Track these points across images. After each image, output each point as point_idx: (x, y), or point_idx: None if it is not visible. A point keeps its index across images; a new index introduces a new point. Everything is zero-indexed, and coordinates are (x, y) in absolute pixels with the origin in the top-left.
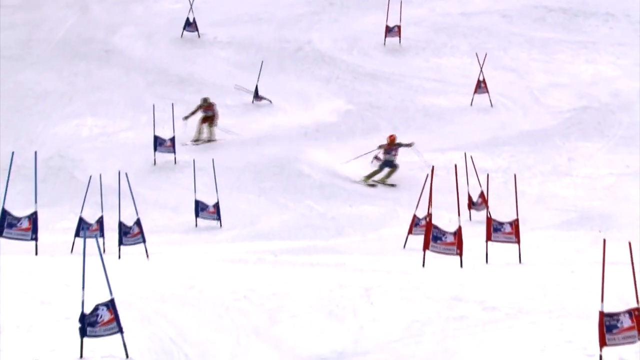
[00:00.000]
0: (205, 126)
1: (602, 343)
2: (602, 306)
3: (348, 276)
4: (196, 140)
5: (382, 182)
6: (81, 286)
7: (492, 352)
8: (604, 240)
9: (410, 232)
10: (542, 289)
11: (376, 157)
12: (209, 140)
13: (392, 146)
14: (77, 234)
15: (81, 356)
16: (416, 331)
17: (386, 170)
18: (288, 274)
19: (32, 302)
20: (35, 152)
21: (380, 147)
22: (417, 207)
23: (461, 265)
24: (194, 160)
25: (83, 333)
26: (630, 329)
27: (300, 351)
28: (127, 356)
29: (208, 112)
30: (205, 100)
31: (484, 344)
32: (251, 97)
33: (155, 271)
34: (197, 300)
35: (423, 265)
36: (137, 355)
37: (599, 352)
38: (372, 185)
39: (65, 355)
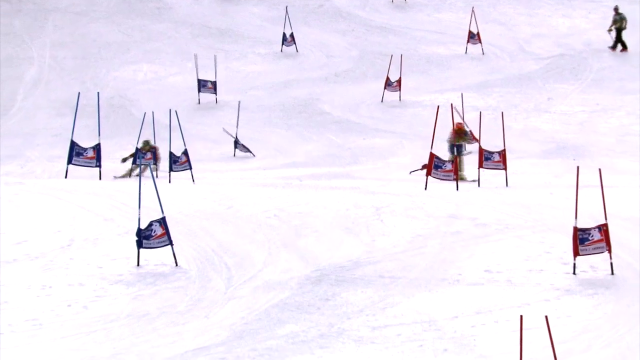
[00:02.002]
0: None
1: (576, 253)
2: (576, 222)
3: (361, 197)
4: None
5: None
6: (138, 205)
7: (483, 262)
8: (578, 167)
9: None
10: (525, 208)
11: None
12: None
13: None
14: (134, 162)
15: (138, 264)
16: (419, 244)
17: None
18: (311, 195)
19: (97, 219)
20: (98, 93)
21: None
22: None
23: (457, 189)
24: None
25: (139, 245)
26: (599, 241)
27: (322, 260)
28: (177, 264)
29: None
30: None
31: (476, 254)
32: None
33: (200, 193)
34: (234, 218)
35: (425, 188)
36: (184, 264)
37: (573, 261)
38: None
39: (124, 264)
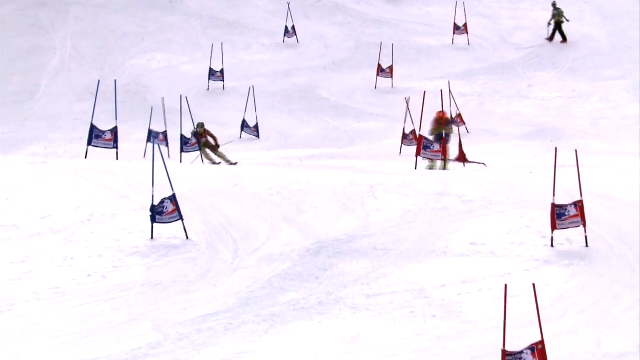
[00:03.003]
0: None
1: (553, 227)
2: (553, 199)
3: (357, 176)
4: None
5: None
6: (151, 184)
7: (468, 235)
8: (555, 149)
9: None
10: (507, 186)
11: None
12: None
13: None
14: (149, 140)
15: (152, 238)
16: (410, 219)
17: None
18: (311, 174)
19: (114, 196)
20: (115, 80)
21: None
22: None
23: (445, 168)
24: (251, 87)
25: (153, 220)
26: (575, 216)
27: (320, 234)
28: (187, 237)
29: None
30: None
31: (462, 228)
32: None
33: (208, 172)
34: (240, 195)
35: (415, 168)
36: (194, 237)
37: (550, 234)
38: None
39: (139, 237)
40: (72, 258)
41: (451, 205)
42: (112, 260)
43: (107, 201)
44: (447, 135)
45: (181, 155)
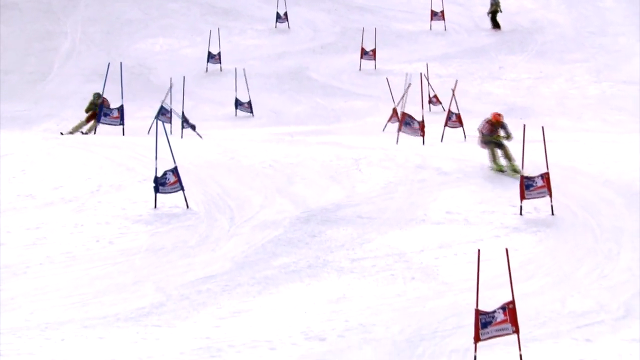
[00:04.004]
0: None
1: (522, 197)
2: (522, 171)
3: (343, 151)
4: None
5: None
6: (154, 157)
7: (444, 205)
8: (524, 125)
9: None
10: (480, 159)
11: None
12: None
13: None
14: (157, 116)
15: (155, 207)
16: (391, 189)
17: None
18: (301, 149)
19: (120, 169)
20: (121, 63)
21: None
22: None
23: (423, 143)
24: (235, 69)
25: (156, 190)
26: (542, 187)
27: (310, 203)
28: (187, 206)
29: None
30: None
31: (439, 198)
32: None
33: (207, 147)
34: (236, 167)
35: (397, 143)
36: (194, 206)
37: (519, 204)
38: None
39: (143, 206)
40: (82, 225)
41: (429, 177)
42: (119, 227)
43: (114, 173)
44: (499, 144)
45: (182, 132)
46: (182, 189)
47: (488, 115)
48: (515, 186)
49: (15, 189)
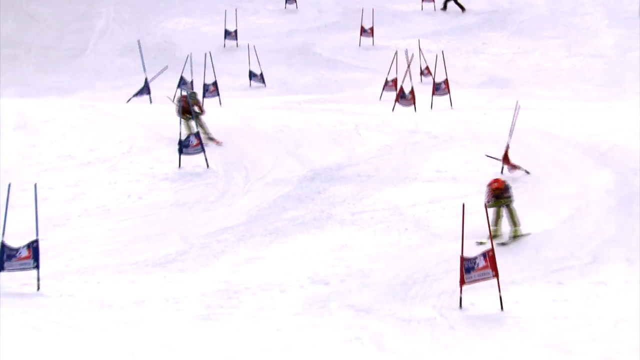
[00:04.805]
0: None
1: (506, 162)
2: (510, 140)
3: (344, 117)
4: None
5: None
6: (179, 122)
7: (434, 164)
8: (518, 102)
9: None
10: (466, 124)
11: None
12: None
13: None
14: (178, 86)
15: (179, 166)
16: (387, 151)
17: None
18: (307, 115)
19: (149, 133)
20: (139, 41)
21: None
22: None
23: (415, 110)
24: (249, 45)
25: (180, 152)
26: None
27: (315, 163)
28: (208, 166)
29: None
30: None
31: (430, 159)
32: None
33: (225, 114)
34: (250, 132)
35: (392, 110)
36: (214, 166)
37: (501, 165)
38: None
39: (169, 166)
40: (115, 182)
41: (421, 140)
42: (147, 184)
43: (143, 137)
44: (508, 205)
45: (203, 101)
46: (203, 150)
47: (490, 180)
48: (499, 149)
49: (56, 150)
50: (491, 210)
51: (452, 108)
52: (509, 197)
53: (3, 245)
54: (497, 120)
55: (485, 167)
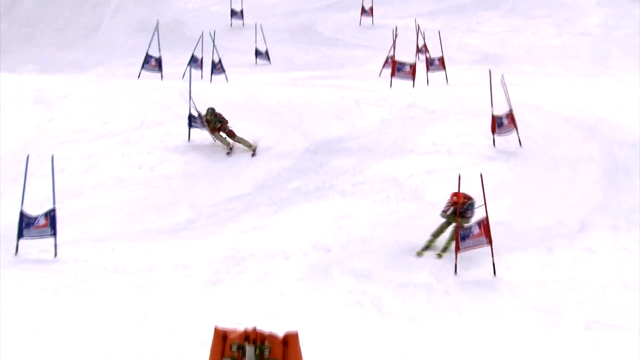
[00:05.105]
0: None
1: (493, 131)
2: (492, 110)
3: (345, 92)
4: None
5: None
6: (189, 97)
7: (430, 137)
8: (504, 76)
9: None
10: (461, 99)
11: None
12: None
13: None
14: (189, 63)
15: (189, 140)
16: (386, 125)
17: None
18: (310, 91)
19: (159, 108)
20: (158, 20)
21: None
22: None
23: (413, 86)
24: (255, 24)
25: (190, 126)
26: (509, 124)
27: (317, 137)
28: (215, 140)
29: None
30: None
31: (426, 133)
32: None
33: (231, 89)
34: (256, 107)
35: (390, 86)
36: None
37: (492, 136)
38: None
39: (179, 139)
40: (127, 154)
41: (417, 115)
42: (159, 156)
43: (155, 111)
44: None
45: (211, 77)
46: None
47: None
48: (489, 123)
49: (71, 124)
50: (438, 222)
51: (447, 84)
52: (466, 218)
53: (22, 213)
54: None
55: (479, 139)
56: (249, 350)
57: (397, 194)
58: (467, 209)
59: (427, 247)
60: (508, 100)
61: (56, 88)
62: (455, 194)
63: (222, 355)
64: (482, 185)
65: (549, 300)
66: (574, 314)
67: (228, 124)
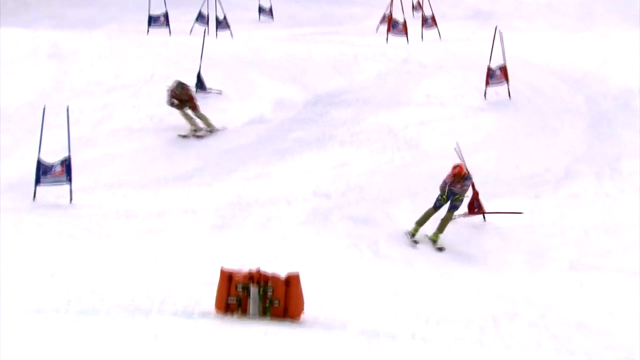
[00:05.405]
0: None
1: (487, 84)
2: (490, 63)
3: (345, 48)
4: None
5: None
6: (200, 56)
7: (424, 90)
8: (496, 28)
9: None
10: (453, 54)
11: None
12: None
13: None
14: (196, 20)
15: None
16: (382, 79)
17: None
18: (311, 46)
19: (168, 62)
20: None
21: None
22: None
23: (407, 42)
24: None
25: (198, 78)
26: (501, 76)
27: (318, 90)
28: (221, 93)
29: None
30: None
31: (420, 85)
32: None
33: (237, 44)
34: (260, 61)
35: (387, 42)
36: (227, 91)
37: (484, 89)
38: (441, 250)
39: None
40: (138, 106)
41: (412, 69)
42: (168, 108)
43: (163, 65)
44: (454, 207)
45: (217, 32)
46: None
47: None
48: (480, 75)
49: (85, 77)
50: (425, 210)
51: (440, 40)
52: (459, 195)
53: (39, 162)
54: (481, 50)
55: (470, 92)
56: (253, 290)
57: (392, 143)
58: (464, 180)
59: (412, 234)
60: (504, 54)
61: (70, 43)
62: (456, 165)
63: (228, 294)
64: (460, 155)
65: (535, 243)
66: (559, 256)
67: (195, 100)
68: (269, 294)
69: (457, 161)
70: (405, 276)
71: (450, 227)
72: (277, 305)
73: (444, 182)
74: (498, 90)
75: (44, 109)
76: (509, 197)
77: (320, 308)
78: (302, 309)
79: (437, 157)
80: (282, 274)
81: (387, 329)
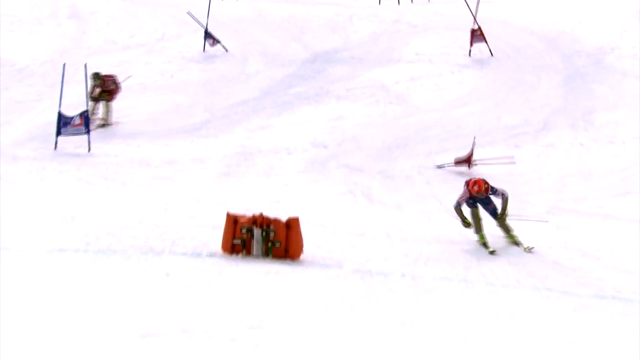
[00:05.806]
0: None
1: (471, 44)
2: (474, 23)
3: (340, 9)
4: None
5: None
6: (207, 15)
7: (414, 49)
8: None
9: None
10: (440, 15)
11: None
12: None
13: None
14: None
15: (204, 50)
16: (375, 38)
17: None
18: (309, 8)
19: (178, 22)
20: None
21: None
22: None
23: (399, 3)
24: None
25: (205, 38)
26: (479, 35)
27: (316, 48)
28: (226, 50)
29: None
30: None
31: (410, 44)
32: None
33: (239, 6)
34: (262, 21)
35: (379, 3)
36: (232, 49)
37: (469, 47)
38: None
39: (196, 50)
40: (151, 63)
41: (403, 29)
42: (178, 65)
43: (174, 25)
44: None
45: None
46: (225, 50)
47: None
48: (466, 34)
49: (101, 36)
50: (470, 217)
51: (429, 1)
52: (497, 207)
53: (60, 114)
54: (466, 11)
55: (456, 50)
56: (257, 232)
57: (384, 98)
58: (492, 192)
59: (485, 244)
60: (475, 17)
61: (87, 4)
62: (475, 183)
63: (233, 236)
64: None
65: (516, 189)
66: (538, 201)
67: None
68: (271, 236)
69: (468, 170)
70: (396, 220)
71: (438, 173)
72: (279, 246)
73: (457, 203)
74: (481, 49)
75: (64, 66)
76: (492, 146)
77: (318, 249)
78: (302, 249)
79: (426, 110)
80: (283, 217)
81: (379, 268)
